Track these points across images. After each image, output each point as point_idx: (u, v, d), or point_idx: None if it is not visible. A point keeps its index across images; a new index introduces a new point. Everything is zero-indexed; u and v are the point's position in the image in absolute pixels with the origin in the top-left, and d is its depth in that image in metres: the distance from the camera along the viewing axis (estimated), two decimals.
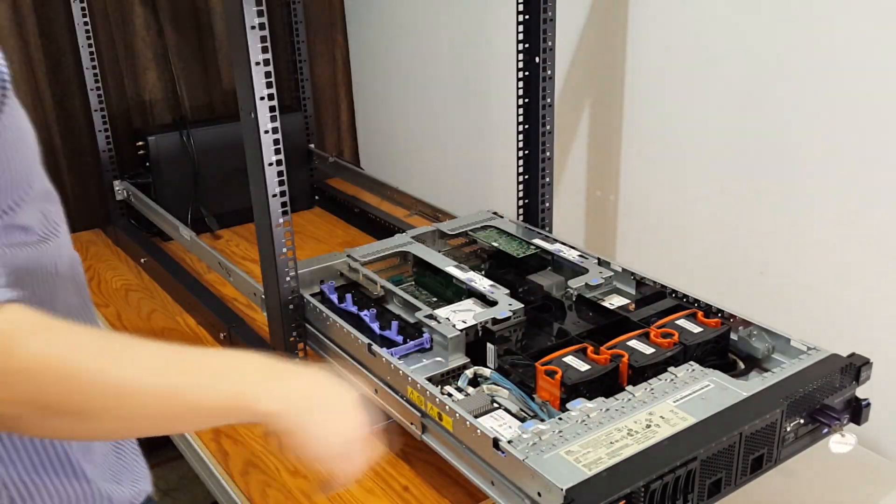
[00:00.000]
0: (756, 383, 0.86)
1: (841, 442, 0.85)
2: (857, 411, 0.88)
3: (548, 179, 1.37)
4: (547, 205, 1.39)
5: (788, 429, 0.84)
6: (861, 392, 0.90)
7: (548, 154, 1.36)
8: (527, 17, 1.29)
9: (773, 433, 0.82)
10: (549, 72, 1.32)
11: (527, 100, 1.33)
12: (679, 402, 0.84)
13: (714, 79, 1.23)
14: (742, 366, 0.96)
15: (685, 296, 1.05)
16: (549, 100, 1.33)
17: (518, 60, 1.33)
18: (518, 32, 1.31)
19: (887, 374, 1.07)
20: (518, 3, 1.29)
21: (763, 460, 0.82)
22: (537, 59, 1.30)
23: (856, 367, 0.88)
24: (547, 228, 1.40)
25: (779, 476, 0.90)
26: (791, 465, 0.91)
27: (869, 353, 1.09)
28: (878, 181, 1.05)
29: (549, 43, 1.30)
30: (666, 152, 1.34)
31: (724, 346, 0.97)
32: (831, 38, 1.07)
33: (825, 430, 0.86)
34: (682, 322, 0.99)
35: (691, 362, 0.91)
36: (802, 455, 0.93)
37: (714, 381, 0.87)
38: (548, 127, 1.35)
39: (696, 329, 0.97)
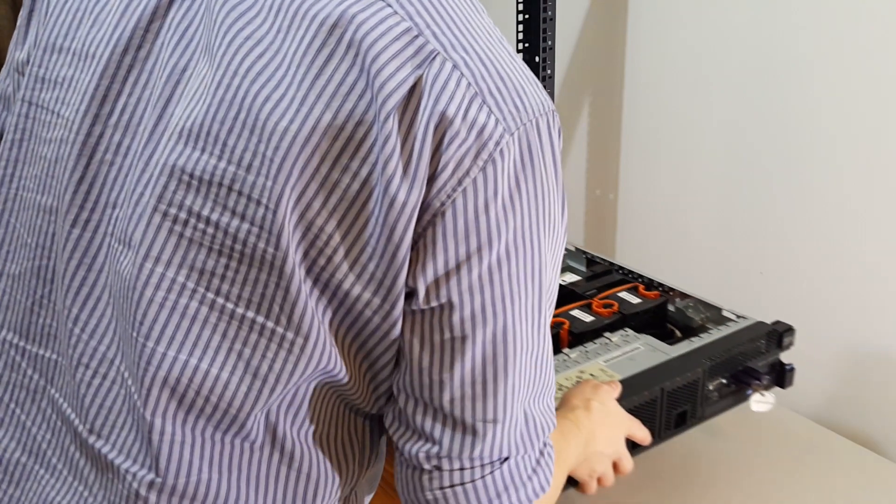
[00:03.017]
0: (683, 346, 0.92)
1: (761, 401, 0.91)
2: (781, 375, 0.94)
3: None
4: None
5: (711, 388, 0.90)
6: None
7: None
8: (527, 16, 1.29)
9: (696, 391, 0.88)
10: (549, 71, 1.32)
11: None
12: (609, 362, 0.90)
13: (714, 78, 1.23)
14: (679, 334, 1.01)
15: (631, 272, 1.12)
16: None
17: None
18: (518, 32, 1.31)
19: (888, 374, 1.08)
20: (518, 3, 1.29)
21: (686, 416, 0.89)
22: (537, 59, 1.30)
23: (778, 333, 0.94)
24: None
25: (784, 478, 0.90)
26: (792, 465, 0.91)
27: (869, 353, 1.09)
28: (879, 180, 1.05)
29: (549, 43, 1.30)
30: (666, 152, 1.34)
31: (662, 317, 1.03)
32: (832, 37, 1.07)
33: (749, 392, 0.92)
34: (623, 294, 1.05)
35: (626, 328, 0.98)
36: (803, 455, 0.93)
37: (644, 345, 0.93)
38: None
39: (636, 300, 1.04)
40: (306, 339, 0.55)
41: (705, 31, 1.23)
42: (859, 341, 1.10)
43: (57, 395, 0.62)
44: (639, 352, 0.92)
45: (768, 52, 1.14)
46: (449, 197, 0.52)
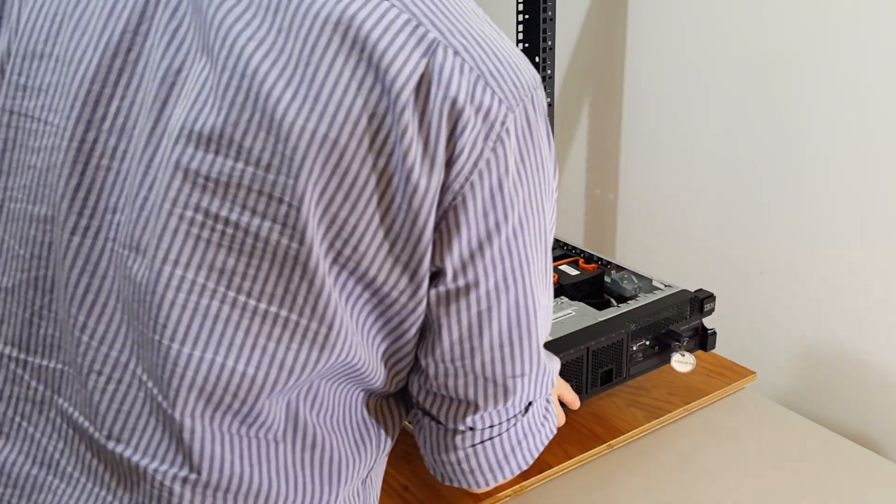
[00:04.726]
0: (611, 311, 0.98)
1: (681, 361, 0.98)
2: (703, 339, 1.02)
3: None
4: None
5: (635, 348, 0.97)
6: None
7: None
8: (527, 16, 1.29)
9: (620, 351, 0.95)
10: (549, 71, 1.32)
11: None
12: None
13: (713, 78, 1.23)
14: (615, 303, 1.06)
15: (574, 247, 1.20)
16: (548, 99, 1.33)
17: None
18: (518, 32, 1.31)
19: (888, 375, 1.08)
20: (518, 3, 1.29)
21: (612, 374, 0.96)
22: (537, 59, 1.30)
23: (700, 300, 1.00)
24: None
25: (784, 478, 0.90)
26: (792, 465, 0.91)
27: (869, 353, 1.09)
28: (880, 180, 1.05)
29: (549, 42, 1.30)
30: (665, 151, 1.34)
31: (599, 287, 1.10)
32: (832, 36, 1.07)
33: (671, 353, 0.99)
34: (563, 267, 1.12)
35: (562, 297, 1.04)
36: (803, 455, 0.93)
37: (576, 311, 0.99)
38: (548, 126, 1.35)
39: (574, 272, 1.10)
40: (330, 328, 0.57)
41: (705, 32, 1.23)
42: (859, 341, 1.10)
43: (66, 405, 0.62)
44: (570, 316, 0.97)
45: (768, 52, 1.14)
46: (467, 179, 0.55)
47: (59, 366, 0.62)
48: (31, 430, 0.63)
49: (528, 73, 0.57)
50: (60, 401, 0.62)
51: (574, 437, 0.94)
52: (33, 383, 0.63)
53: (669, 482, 0.90)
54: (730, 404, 1.03)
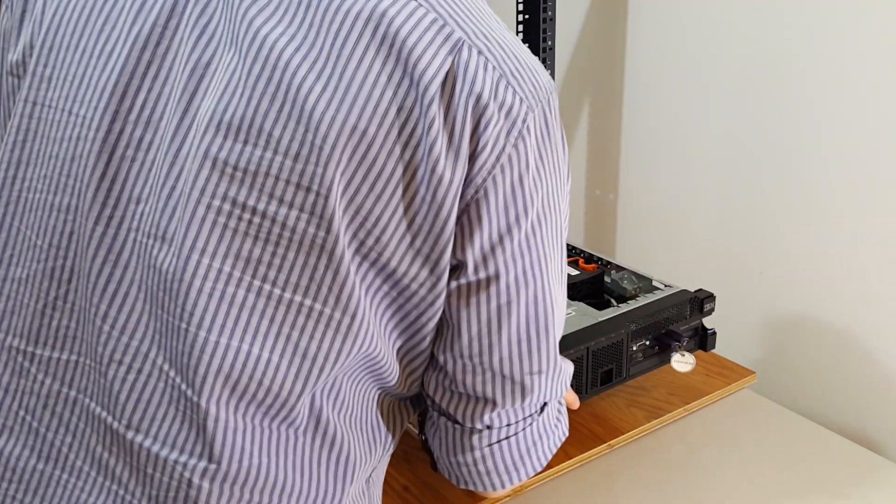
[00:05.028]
0: (611, 311, 0.98)
1: (681, 361, 0.98)
2: (703, 339, 1.02)
3: None
4: None
5: (635, 348, 0.97)
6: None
7: None
8: (527, 16, 1.29)
9: (620, 351, 0.95)
10: (549, 71, 1.32)
11: None
12: None
13: (714, 78, 1.23)
14: (615, 303, 1.06)
15: (574, 247, 1.19)
16: None
17: None
18: (518, 32, 1.31)
19: (889, 375, 1.08)
20: (518, 3, 1.29)
21: (612, 374, 0.95)
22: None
23: (700, 300, 1.00)
24: None
25: (784, 478, 0.90)
26: (792, 465, 0.91)
27: (870, 353, 1.09)
28: (880, 180, 1.05)
29: (549, 43, 1.30)
30: (665, 151, 1.34)
31: (599, 287, 1.10)
32: (832, 36, 1.07)
33: (671, 353, 0.99)
34: None
35: None
36: (803, 455, 0.93)
37: (576, 310, 0.99)
38: None
39: (575, 272, 1.10)
40: (353, 317, 0.58)
41: (705, 31, 1.23)
42: (859, 341, 1.10)
43: (80, 396, 0.62)
44: (570, 316, 0.97)
45: (768, 52, 1.14)
46: (490, 173, 0.57)
47: (74, 357, 0.62)
48: (35, 424, 0.63)
49: (545, 76, 0.60)
50: (72, 393, 0.62)
51: (574, 437, 0.94)
52: (40, 377, 0.63)
53: (669, 482, 0.90)
54: (730, 404, 1.03)
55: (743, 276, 1.24)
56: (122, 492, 0.61)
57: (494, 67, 0.56)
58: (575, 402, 0.90)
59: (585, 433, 0.96)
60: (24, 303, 0.63)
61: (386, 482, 0.92)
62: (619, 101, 1.39)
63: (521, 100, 0.57)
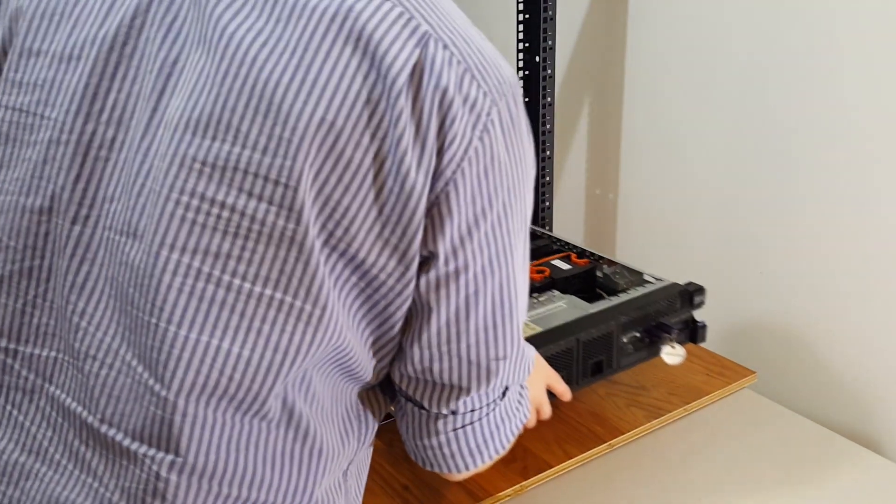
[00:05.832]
0: (602, 304, 0.99)
1: (671, 353, 0.98)
2: (693, 331, 1.02)
3: (548, 178, 1.37)
4: (547, 203, 1.39)
5: (625, 340, 0.97)
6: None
7: (548, 153, 1.36)
8: (527, 16, 1.29)
9: (610, 342, 0.96)
10: (549, 71, 1.32)
11: (527, 99, 1.33)
12: (533, 318, 0.98)
13: (713, 78, 1.23)
14: (606, 297, 1.06)
15: (567, 243, 1.21)
16: (549, 99, 1.34)
17: (518, 60, 1.33)
18: (518, 32, 1.31)
19: (889, 375, 1.08)
20: (518, 3, 1.29)
21: (602, 366, 0.96)
22: (537, 59, 1.30)
23: (689, 293, 1.01)
24: (547, 227, 1.40)
25: (784, 478, 0.90)
26: (792, 465, 0.91)
27: (870, 353, 1.09)
28: (880, 181, 1.05)
29: (549, 42, 1.30)
30: (666, 151, 1.34)
31: (591, 282, 1.10)
32: (832, 37, 1.07)
33: (662, 346, 0.99)
34: (556, 262, 1.13)
35: (553, 290, 1.05)
36: (803, 455, 0.93)
37: (567, 303, 1.01)
38: (548, 126, 1.35)
39: (567, 266, 1.12)
40: (323, 309, 0.59)
41: (705, 31, 1.23)
42: (859, 341, 1.10)
43: (58, 392, 0.63)
44: (561, 309, 0.99)
45: (768, 52, 1.14)
46: (458, 166, 0.58)
47: (53, 353, 0.63)
48: (20, 418, 0.65)
49: (508, 71, 0.61)
50: (52, 388, 0.63)
51: (574, 437, 0.94)
52: (24, 372, 0.64)
53: (669, 482, 0.90)
54: (730, 404, 1.03)
55: (743, 276, 1.24)
56: (96, 484, 0.62)
57: (459, 61, 0.57)
58: (566, 394, 0.90)
59: (585, 433, 0.96)
60: (3, 302, 0.64)
61: (386, 482, 0.92)
62: (619, 101, 1.39)
63: (486, 94, 0.58)
